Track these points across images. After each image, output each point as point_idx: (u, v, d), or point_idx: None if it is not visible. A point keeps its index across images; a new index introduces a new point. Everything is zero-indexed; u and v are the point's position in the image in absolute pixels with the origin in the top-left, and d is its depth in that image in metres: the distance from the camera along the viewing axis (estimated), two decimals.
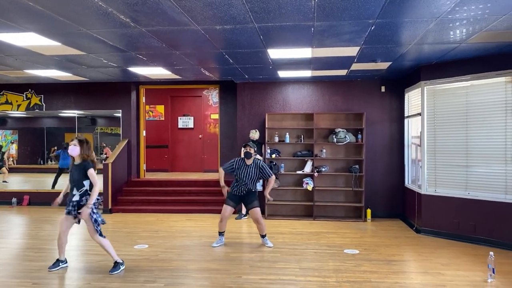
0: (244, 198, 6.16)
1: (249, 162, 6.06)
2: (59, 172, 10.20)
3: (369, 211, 8.12)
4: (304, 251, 5.85)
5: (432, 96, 6.93)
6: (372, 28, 4.78)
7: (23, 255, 5.62)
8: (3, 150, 11.18)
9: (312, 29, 4.81)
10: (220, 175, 6.23)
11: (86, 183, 4.83)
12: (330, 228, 7.42)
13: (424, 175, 7.00)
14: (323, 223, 7.88)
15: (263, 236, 6.23)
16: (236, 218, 8.22)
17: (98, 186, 4.85)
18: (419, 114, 7.16)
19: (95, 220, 4.83)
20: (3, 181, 11.04)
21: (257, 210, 6.04)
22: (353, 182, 8.20)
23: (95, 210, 4.88)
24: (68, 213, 4.86)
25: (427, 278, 4.74)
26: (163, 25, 4.66)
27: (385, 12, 4.22)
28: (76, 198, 4.82)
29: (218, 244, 6.18)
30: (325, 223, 7.84)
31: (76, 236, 6.81)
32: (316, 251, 5.88)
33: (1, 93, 10.01)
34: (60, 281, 4.71)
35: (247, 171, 6.02)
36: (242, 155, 6.14)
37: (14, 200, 9.87)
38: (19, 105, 10.02)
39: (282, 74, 7.79)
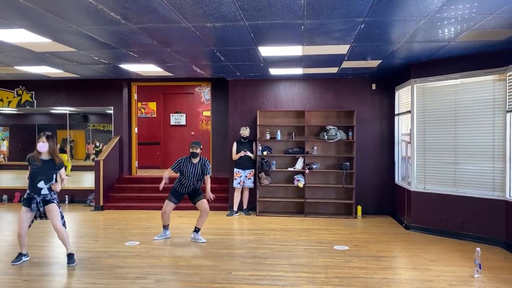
0: (190, 195, 6.25)
1: (195, 161, 6.14)
2: None
3: (359, 208, 8.19)
4: (295, 248, 5.90)
5: (422, 94, 7.00)
6: (362, 26, 4.82)
7: (14, 252, 5.59)
8: None
9: (302, 27, 4.84)
10: (165, 175, 6.27)
11: (54, 176, 5.04)
12: (321, 224, 7.48)
13: (414, 172, 7.07)
14: (314, 219, 7.94)
15: (197, 231, 6.26)
16: (227, 215, 8.26)
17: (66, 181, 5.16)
18: (409, 111, 7.23)
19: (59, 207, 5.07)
20: None
21: (205, 201, 6.16)
22: (343, 179, 8.26)
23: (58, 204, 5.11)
24: (29, 206, 4.99)
25: (415, 274, 4.81)
26: (153, 23, 4.66)
27: (374, 10, 4.26)
28: (44, 191, 4.97)
29: (161, 238, 6.33)
30: (316, 220, 7.90)
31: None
32: (306, 247, 5.93)
33: None
34: (50, 277, 4.71)
35: (194, 169, 6.10)
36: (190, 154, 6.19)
37: (5, 197, 9.83)
38: (9, 102, 9.97)
39: (274, 71, 7.82)
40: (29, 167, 5.00)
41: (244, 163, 8.33)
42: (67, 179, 5.20)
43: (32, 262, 5.21)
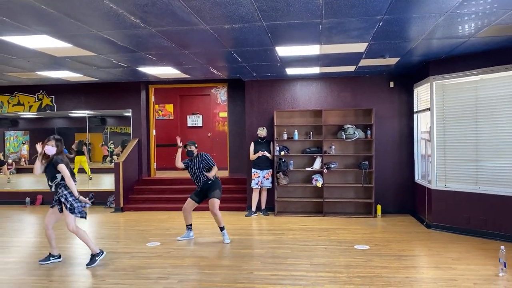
0: (205, 191, 6.31)
1: (194, 156, 6.33)
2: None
3: (379, 207, 8.13)
4: (315, 247, 5.89)
5: (441, 91, 6.92)
6: (380, 24, 4.79)
7: (38, 254, 5.72)
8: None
9: (320, 26, 4.83)
10: (178, 159, 6.42)
11: (58, 176, 5.17)
12: (340, 224, 7.45)
13: (434, 170, 6.99)
14: (333, 219, 7.91)
15: (222, 229, 6.31)
16: (246, 216, 8.28)
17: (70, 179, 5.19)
18: (428, 109, 7.15)
19: (71, 204, 5.15)
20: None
21: (215, 201, 6.16)
22: (362, 178, 8.21)
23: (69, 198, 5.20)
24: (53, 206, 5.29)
25: (438, 273, 4.76)
26: (172, 25, 4.71)
27: (393, 8, 4.23)
28: (53, 189, 5.23)
29: (184, 238, 6.41)
30: (335, 220, 7.86)
31: (89, 235, 6.91)
32: (326, 247, 5.91)
33: (13, 94, 10.17)
34: (74, 278, 4.80)
35: (195, 164, 6.26)
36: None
37: (27, 200, 10.03)
38: (30, 106, 10.17)
39: (290, 71, 7.82)
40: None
41: (261, 164, 8.34)
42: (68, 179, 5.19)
43: (56, 263, 5.31)
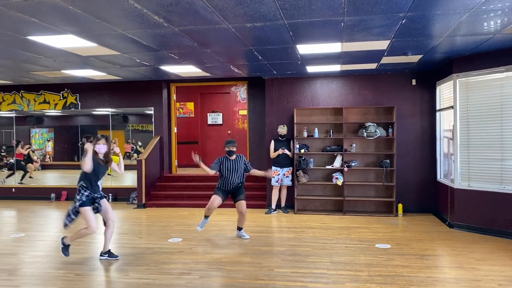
0: (233, 193, 6.27)
1: (232, 158, 6.19)
2: None
3: (400, 205, 8.06)
4: (335, 246, 5.89)
5: (465, 88, 6.80)
6: (403, 21, 4.75)
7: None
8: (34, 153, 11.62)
9: (342, 24, 4.82)
10: (206, 170, 6.22)
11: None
12: (360, 223, 7.42)
13: (457, 169, 6.89)
14: (353, 218, 7.88)
15: (240, 229, 6.39)
16: (265, 213, 8.32)
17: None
18: (452, 107, 7.04)
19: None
20: (30, 177, 11.49)
21: (244, 203, 6.21)
22: (383, 177, 8.15)
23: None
24: (91, 205, 5.21)
25: (461, 273, 4.70)
26: (195, 25, 4.77)
27: (417, 5, 4.19)
28: (100, 188, 5.31)
29: (202, 225, 6.39)
30: (356, 218, 7.83)
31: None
32: (347, 245, 5.90)
33: (40, 93, 10.43)
34: (100, 272, 4.92)
35: (232, 165, 6.15)
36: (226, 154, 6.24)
37: (52, 195, 10.29)
38: (56, 104, 10.42)
39: (311, 69, 7.81)
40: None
41: (281, 161, 8.35)
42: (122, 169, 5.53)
43: (82, 257, 5.45)
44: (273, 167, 8.42)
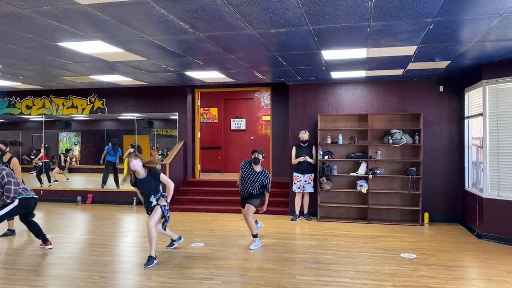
0: (247, 199, 6.18)
1: (256, 168, 6.08)
2: (107, 166, 10.74)
3: (426, 214, 7.87)
4: (359, 254, 5.79)
5: (495, 95, 6.62)
6: (431, 27, 4.66)
7: (89, 250, 5.98)
8: (68, 154, 11.92)
9: (368, 29, 4.76)
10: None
11: (160, 188, 5.45)
12: (385, 231, 7.28)
13: (487, 178, 6.69)
14: (378, 226, 7.74)
15: (254, 236, 6.21)
16: (291, 220, 8.25)
17: (171, 185, 5.58)
18: (481, 114, 6.86)
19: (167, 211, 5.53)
20: (67, 179, 11.76)
21: (251, 207, 6.05)
22: (409, 185, 7.98)
23: (167, 207, 5.51)
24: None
25: (491, 286, 4.54)
26: (220, 31, 4.80)
27: (445, 10, 4.11)
28: (154, 203, 5.41)
29: (256, 247, 6.13)
30: (380, 227, 7.69)
31: (135, 233, 7.15)
32: (371, 254, 5.80)
33: (68, 97, 10.68)
34: (124, 275, 4.97)
35: (252, 176, 6.05)
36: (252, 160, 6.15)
37: (79, 198, 10.49)
38: (83, 109, 10.65)
39: (335, 75, 7.74)
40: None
41: (303, 168, 8.28)
42: (172, 184, 5.57)
43: (106, 260, 5.53)
44: (294, 173, 8.37)
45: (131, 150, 10.46)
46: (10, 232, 6.98)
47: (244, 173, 6.12)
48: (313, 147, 8.41)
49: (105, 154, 10.98)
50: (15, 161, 6.93)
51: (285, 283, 4.60)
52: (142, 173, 5.28)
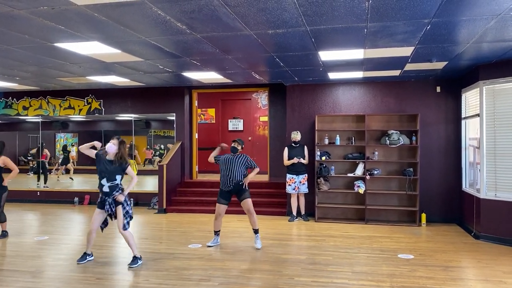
0: (235, 192, 6.22)
1: (236, 155, 6.25)
2: None
3: (423, 215, 7.88)
4: (357, 255, 5.79)
5: (492, 96, 6.63)
6: (428, 27, 4.67)
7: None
8: (68, 149, 11.91)
9: (365, 30, 4.77)
10: (209, 158, 6.49)
11: (118, 177, 5.28)
12: (383, 232, 7.28)
13: (483, 179, 6.70)
14: (375, 227, 7.74)
15: (255, 232, 6.26)
16: (289, 220, 8.24)
17: (135, 180, 5.43)
18: (478, 115, 6.87)
19: (127, 212, 5.29)
20: (70, 178, 11.76)
21: (248, 200, 6.16)
22: (407, 186, 7.99)
23: (128, 202, 5.35)
24: (102, 208, 5.34)
25: (487, 286, 4.55)
26: (217, 31, 4.80)
27: (442, 11, 4.12)
28: (106, 189, 5.25)
29: (214, 244, 6.29)
30: (378, 227, 7.69)
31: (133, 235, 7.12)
32: (369, 255, 5.80)
33: (65, 98, 10.65)
34: (121, 276, 4.96)
35: (234, 162, 6.13)
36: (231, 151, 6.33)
37: (76, 199, 10.46)
38: (80, 110, 10.62)
39: (333, 75, 7.75)
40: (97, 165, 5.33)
41: (297, 169, 8.25)
42: (136, 179, 5.43)
43: (103, 261, 5.51)
44: (288, 175, 8.34)
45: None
46: (3, 234, 6.92)
47: (227, 164, 6.15)
48: (305, 147, 8.39)
49: None
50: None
51: (282, 284, 4.59)
52: (111, 157, 5.26)
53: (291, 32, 4.86)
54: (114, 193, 5.25)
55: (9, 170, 6.69)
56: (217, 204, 6.29)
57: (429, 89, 8.19)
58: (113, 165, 5.24)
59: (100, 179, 5.26)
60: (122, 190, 5.32)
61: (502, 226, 6.43)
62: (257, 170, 6.26)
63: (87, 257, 5.50)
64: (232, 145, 6.29)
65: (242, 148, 6.33)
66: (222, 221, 6.41)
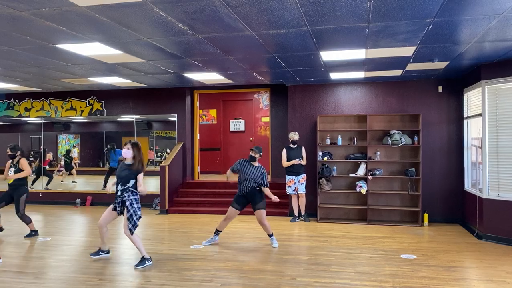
0: (250, 198, 6.22)
1: (255, 164, 6.26)
2: (110, 171, 10.72)
3: (426, 215, 7.87)
4: (359, 256, 5.78)
5: (494, 95, 6.62)
6: (430, 27, 4.66)
7: (88, 253, 5.94)
8: (71, 155, 11.92)
9: (367, 30, 4.76)
10: (227, 172, 6.62)
11: (132, 182, 5.26)
12: (385, 232, 7.27)
13: (486, 179, 6.69)
14: (377, 227, 7.73)
15: (270, 235, 6.36)
16: (290, 221, 8.23)
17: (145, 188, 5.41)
18: (480, 114, 6.86)
19: (130, 215, 5.22)
20: (72, 181, 11.76)
21: (261, 212, 6.17)
22: (409, 186, 7.98)
23: (134, 204, 5.28)
24: (114, 208, 5.41)
25: (491, 286, 4.53)
26: (218, 32, 4.80)
27: (444, 10, 4.11)
28: (119, 193, 5.29)
29: (209, 243, 6.36)
30: (380, 228, 7.68)
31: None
32: (371, 255, 5.78)
33: (67, 99, 10.67)
34: (123, 277, 4.95)
35: (252, 170, 6.18)
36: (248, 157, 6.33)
37: (78, 200, 10.47)
38: (82, 111, 10.63)
39: (334, 76, 7.74)
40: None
41: (296, 170, 8.21)
42: (144, 187, 5.34)
43: (106, 262, 5.51)
44: (287, 176, 8.31)
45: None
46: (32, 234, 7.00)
47: (244, 171, 6.20)
48: (303, 148, 8.37)
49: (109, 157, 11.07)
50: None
51: (285, 285, 4.58)
52: (129, 161, 5.29)
53: (292, 33, 4.86)
54: (124, 194, 5.26)
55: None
56: (230, 206, 6.31)
57: (431, 89, 8.18)
58: (132, 168, 5.23)
59: (117, 184, 5.33)
60: (133, 193, 5.27)
61: (505, 226, 6.41)
62: (267, 189, 6.22)
63: (100, 253, 5.66)
64: (250, 154, 6.28)
65: (260, 156, 6.30)
66: (267, 224, 6.32)
